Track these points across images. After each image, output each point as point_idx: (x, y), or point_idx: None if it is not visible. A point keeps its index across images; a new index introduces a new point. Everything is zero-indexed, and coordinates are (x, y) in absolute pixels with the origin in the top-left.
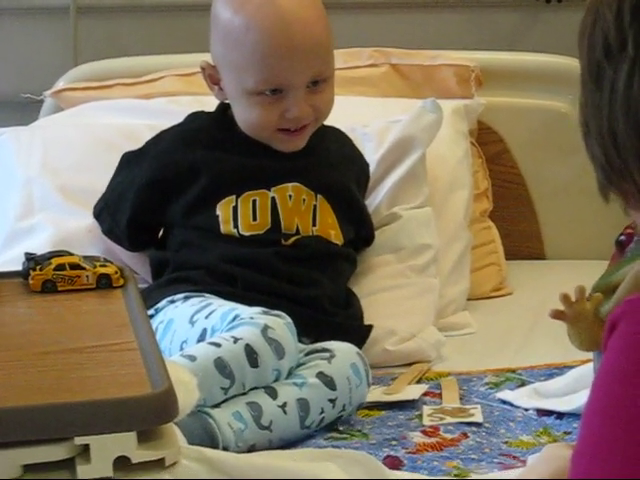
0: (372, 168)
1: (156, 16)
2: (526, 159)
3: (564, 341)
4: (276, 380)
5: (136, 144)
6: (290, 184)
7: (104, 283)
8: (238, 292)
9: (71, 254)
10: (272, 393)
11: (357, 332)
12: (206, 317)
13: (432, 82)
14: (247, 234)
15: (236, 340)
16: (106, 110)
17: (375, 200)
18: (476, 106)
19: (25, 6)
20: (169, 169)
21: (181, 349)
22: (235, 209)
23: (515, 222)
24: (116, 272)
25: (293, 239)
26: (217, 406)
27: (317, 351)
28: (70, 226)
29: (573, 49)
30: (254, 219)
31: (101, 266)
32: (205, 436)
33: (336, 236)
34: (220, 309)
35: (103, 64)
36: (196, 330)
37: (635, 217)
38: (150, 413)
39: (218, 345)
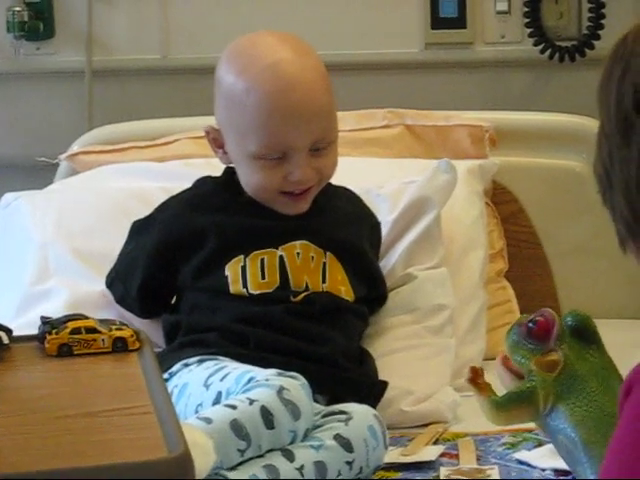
0: (387, 229)
1: (170, 79)
2: (541, 219)
3: None
4: (292, 442)
5: (150, 207)
6: (298, 242)
7: (120, 346)
8: (251, 353)
9: (87, 318)
10: (289, 455)
11: (372, 389)
12: (221, 380)
13: (446, 142)
14: (256, 293)
15: (252, 402)
16: (120, 173)
17: (390, 261)
18: (490, 166)
19: (39, 70)
20: (177, 234)
21: (196, 413)
22: (244, 269)
23: (531, 282)
24: (132, 335)
25: (302, 295)
26: (234, 468)
27: (334, 413)
28: (85, 290)
29: (587, 108)
30: (263, 277)
31: (117, 329)
32: None
33: (346, 292)
34: (235, 372)
35: (117, 127)
36: (211, 393)
37: None
38: (167, 477)
39: (234, 407)
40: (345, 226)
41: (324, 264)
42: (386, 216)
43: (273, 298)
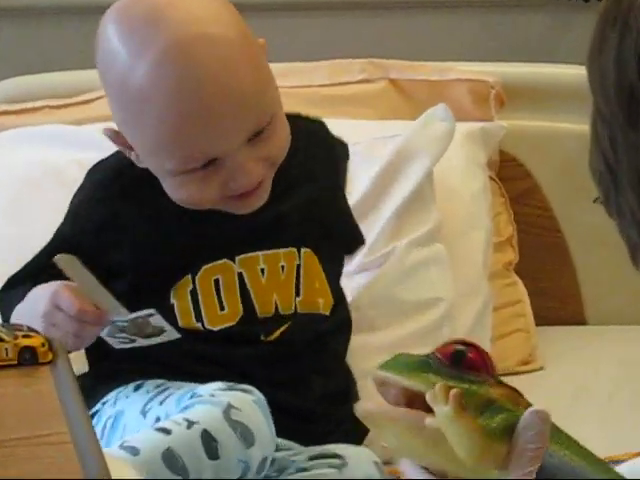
0: (366, 189)
1: (90, 21)
2: (561, 199)
3: (610, 429)
4: (244, 474)
5: (63, 184)
6: (260, 253)
7: (28, 358)
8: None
9: None
10: None
11: (355, 427)
12: (160, 403)
13: (441, 101)
14: (216, 329)
15: (190, 424)
16: (28, 140)
17: (372, 230)
18: (496, 130)
19: None
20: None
21: None
22: (194, 294)
23: (548, 278)
24: (43, 344)
25: (276, 334)
26: None
27: (325, 456)
28: None
29: None
30: (222, 309)
31: (24, 337)
32: None
33: (325, 305)
34: (177, 392)
35: (24, 80)
36: (148, 421)
37: None
38: None
39: (168, 432)
40: (316, 199)
41: (298, 268)
42: (362, 174)
43: (238, 334)
